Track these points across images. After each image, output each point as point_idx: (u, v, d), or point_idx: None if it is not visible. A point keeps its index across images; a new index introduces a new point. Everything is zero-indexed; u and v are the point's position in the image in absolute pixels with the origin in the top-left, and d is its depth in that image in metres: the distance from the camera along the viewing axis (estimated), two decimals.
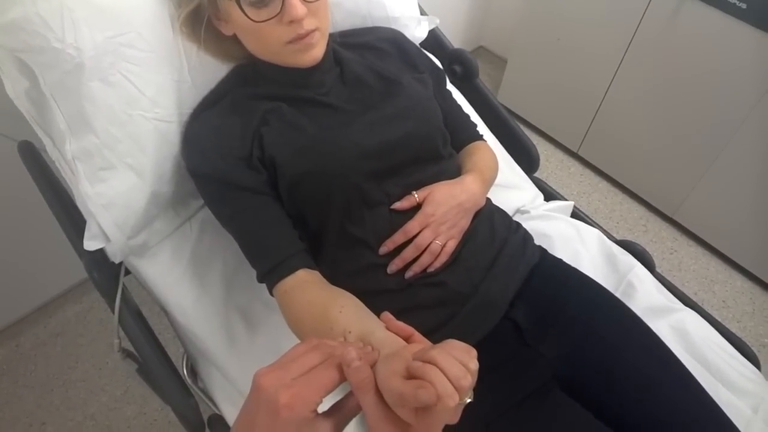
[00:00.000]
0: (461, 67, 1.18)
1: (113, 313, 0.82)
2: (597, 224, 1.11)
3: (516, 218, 0.98)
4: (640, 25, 1.67)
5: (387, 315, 0.57)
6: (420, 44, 1.07)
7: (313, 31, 0.74)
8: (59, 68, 0.71)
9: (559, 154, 2.21)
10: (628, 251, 1.03)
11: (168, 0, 0.78)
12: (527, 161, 1.20)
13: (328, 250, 0.79)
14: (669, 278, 1.04)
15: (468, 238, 0.80)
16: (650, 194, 2.00)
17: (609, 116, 1.93)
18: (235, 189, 0.75)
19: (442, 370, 0.42)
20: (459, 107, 1.00)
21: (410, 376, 0.44)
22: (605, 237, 1.06)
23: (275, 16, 0.70)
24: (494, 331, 0.77)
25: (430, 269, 0.77)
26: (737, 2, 1.41)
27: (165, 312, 0.90)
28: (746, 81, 1.51)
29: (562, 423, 0.71)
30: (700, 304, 1.00)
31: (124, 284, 0.85)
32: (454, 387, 0.42)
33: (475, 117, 1.14)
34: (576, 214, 1.14)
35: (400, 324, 0.56)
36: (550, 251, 0.91)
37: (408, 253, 0.76)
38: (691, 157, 1.75)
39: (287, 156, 0.75)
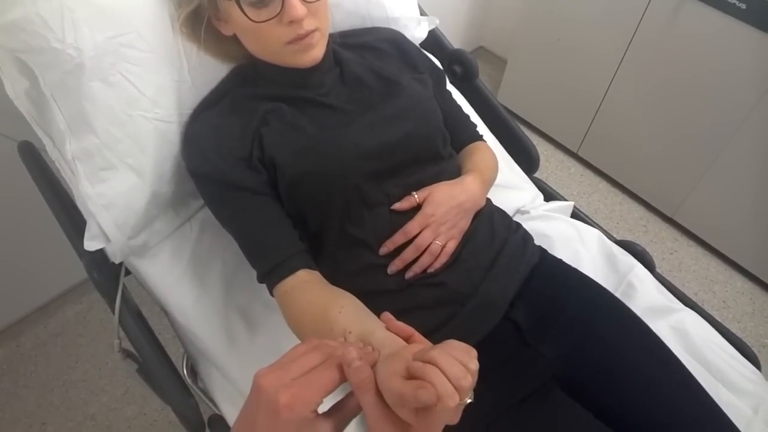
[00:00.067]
0: (461, 67, 1.18)
1: (113, 313, 0.82)
2: (597, 224, 1.11)
3: (516, 218, 0.98)
4: (640, 26, 1.67)
5: (387, 315, 0.57)
6: (420, 44, 1.07)
7: (313, 31, 0.74)
8: (59, 68, 0.71)
9: (559, 155, 2.21)
10: (628, 251, 1.03)
11: (168, 0, 0.78)
12: (527, 161, 1.20)
13: (328, 251, 0.79)
14: (669, 278, 1.04)
15: (468, 239, 0.80)
16: (650, 194, 1.99)
17: (609, 116, 1.93)
18: (235, 189, 0.75)
19: (442, 371, 0.42)
20: (459, 107, 1.00)
21: (410, 376, 0.44)
22: (605, 237, 1.06)
23: (275, 16, 0.70)
24: (494, 332, 0.77)
25: (430, 270, 0.77)
26: (737, 2, 1.41)
27: (165, 312, 0.90)
28: (746, 81, 1.51)
29: (562, 423, 0.71)
30: (700, 304, 1.00)
31: (124, 284, 0.85)
32: (455, 387, 0.42)
33: (475, 117, 1.14)
34: (576, 215, 1.14)
35: (400, 324, 0.56)
36: (550, 251, 0.91)
37: (408, 254, 0.76)
38: (691, 157, 1.75)
39: (287, 156, 0.75)
